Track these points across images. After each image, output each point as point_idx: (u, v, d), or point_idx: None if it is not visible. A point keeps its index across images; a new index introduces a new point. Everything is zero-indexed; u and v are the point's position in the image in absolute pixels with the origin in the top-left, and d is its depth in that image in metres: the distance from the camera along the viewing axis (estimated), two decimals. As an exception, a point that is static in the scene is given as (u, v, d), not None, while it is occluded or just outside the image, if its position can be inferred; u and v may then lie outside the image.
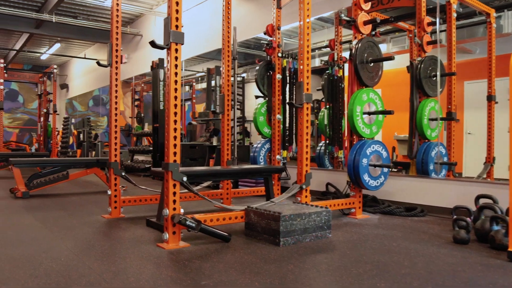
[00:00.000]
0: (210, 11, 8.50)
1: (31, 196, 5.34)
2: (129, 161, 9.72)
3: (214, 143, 6.91)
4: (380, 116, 4.32)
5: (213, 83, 9.01)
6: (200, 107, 13.39)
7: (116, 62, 4.06)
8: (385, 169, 4.21)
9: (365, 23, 4.26)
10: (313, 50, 8.84)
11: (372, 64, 4.28)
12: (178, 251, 2.83)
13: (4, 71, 10.70)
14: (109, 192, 4.00)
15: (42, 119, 12.25)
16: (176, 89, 3.02)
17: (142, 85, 13.20)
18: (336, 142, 5.64)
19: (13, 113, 16.63)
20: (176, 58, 3.04)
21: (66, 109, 17.17)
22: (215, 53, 9.15)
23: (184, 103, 13.05)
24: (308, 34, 3.82)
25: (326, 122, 5.85)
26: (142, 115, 12.84)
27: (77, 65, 15.74)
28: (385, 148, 4.22)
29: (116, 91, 4.08)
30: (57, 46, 13.28)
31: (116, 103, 4.07)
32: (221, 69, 5.32)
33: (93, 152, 12.37)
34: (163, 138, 8.09)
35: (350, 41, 4.48)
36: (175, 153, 3.02)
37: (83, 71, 15.21)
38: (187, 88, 13.66)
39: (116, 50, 4.05)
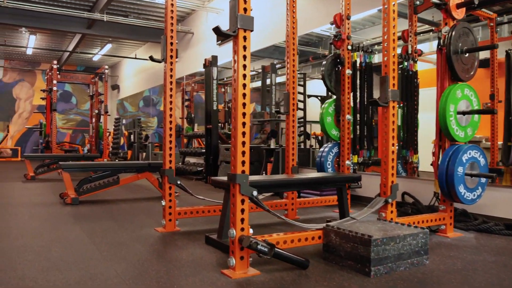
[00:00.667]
0: (263, 4, 7.98)
1: (81, 202, 5.02)
2: (180, 163, 9.38)
3: (272, 146, 6.39)
4: (476, 116, 3.64)
5: (266, 82, 8.52)
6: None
7: (171, 57, 3.60)
8: (483, 180, 3.53)
9: (458, 6, 3.59)
10: (372, 45, 8.16)
11: (467, 54, 3.60)
12: (248, 281, 2.32)
13: (57, 73, 10.68)
14: (163, 203, 3.56)
15: (93, 120, 12.22)
16: (244, 85, 2.52)
17: (193, 85, 12.91)
18: (410, 145, 4.99)
19: (66, 114, 16.89)
20: (245, 47, 2.54)
21: (117, 110, 17.26)
22: (264, 51, 8.66)
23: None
24: (394, 20, 3.21)
25: (399, 122, 5.21)
26: (193, 115, 12.54)
27: (128, 65, 15.74)
28: (483, 154, 3.53)
29: (171, 89, 3.63)
30: (108, 46, 13.25)
31: (171, 103, 3.62)
32: (276, 66, 4.78)
33: (143, 154, 12.20)
34: (216, 140, 7.68)
35: (423, 33, 3.82)
36: (243, 162, 2.50)
37: (134, 72, 15.16)
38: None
39: (171, 44, 3.60)
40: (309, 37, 9.22)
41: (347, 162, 4.68)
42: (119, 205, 5.00)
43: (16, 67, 15.94)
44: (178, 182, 3.62)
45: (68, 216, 4.19)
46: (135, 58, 13.37)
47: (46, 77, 12.09)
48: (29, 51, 13.94)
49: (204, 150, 8.49)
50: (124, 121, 15.72)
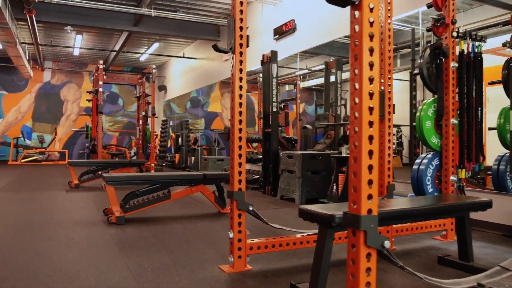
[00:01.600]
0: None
1: (127, 219, 4.29)
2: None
3: (344, 153, 5.45)
4: None
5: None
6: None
7: (241, 45, 2.76)
8: None
9: None
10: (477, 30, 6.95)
11: None
12: None
13: (104, 73, 10.18)
14: (230, 235, 2.72)
15: (140, 122, 11.67)
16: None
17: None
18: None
19: (113, 116, 16.58)
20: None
21: (164, 112, 16.78)
22: (320, 48, 7.72)
23: (287, 104, 11.81)
24: None
25: (509, 127, 4.18)
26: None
27: (175, 65, 15.19)
28: None
29: (241, 87, 2.79)
30: (155, 45, 12.71)
31: (240, 104, 2.78)
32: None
33: (192, 158, 11.53)
34: (276, 145, 6.81)
35: None
36: (370, 182, 1.61)
37: (181, 72, 14.58)
38: (286, 87, 12.36)
39: (241, 28, 2.75)
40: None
41: (452, 177, 3.69)
42: (171, 225, 4.22)
43: (63, 69, 15.77)
44: (251, 209, 2.77)
45: (112, 243, 3.43)
46: (183, 57, 12.76)
47: (92, 78, 11.67)
48: (76, 52, 13.64)
49: (260, 156, 7.65)
50: (171, 123, 15.19)
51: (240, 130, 2.76)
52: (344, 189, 5.27)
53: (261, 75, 11.04)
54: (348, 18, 1.66)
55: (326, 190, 5.89)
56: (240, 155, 2.74)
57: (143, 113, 11.19)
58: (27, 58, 13.08)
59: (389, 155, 3.38)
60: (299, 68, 10.68)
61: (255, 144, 11.34)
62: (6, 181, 8.35)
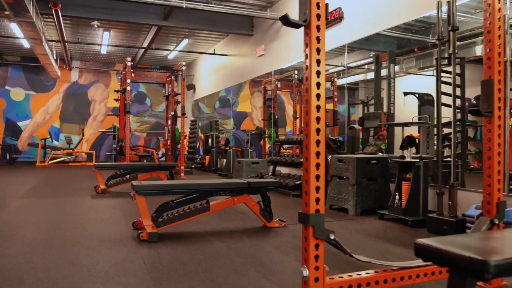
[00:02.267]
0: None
1: (160, 235, 3.64)
2: (270, 174, 7.91)
3: (408, 158, 4.68)
4: None
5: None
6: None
7: (318, 16, 2.06)
8: None
9: None
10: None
11: None
12: None
13: (131, 71, 9.65)
14: (304, 273, 2.02)
15: (169, 122, 11.13)
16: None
17: (276, 82, 11.41)
18: None
19: (141, 116, 16.13)
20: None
21: (192, 111, 16.23)
22: (360, 42, 6.97)
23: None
24: None
25: None
26: (277, 117, 11.06)
27: (204, 63, 14.60)
28: None
29: (318, 72, 2.09)
30: (184, 42, 12.13)
31: (318, 96, 2.08)
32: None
33: (223, 160, 10.89)
34: (323, 147, 6.08)
35: None
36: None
37: (210, 70, 13.98)
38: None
39: (315, -5, 2.05)
40: (414, 23, 7.36)
41: None
42: (212, 244, 3.55)
43: (91, 68, 15.41)
44: (332, 237, 2.06)
45: (144, 271, 2.78)
46: (213, 53, 12.15)
47: (120, 77, 11.20)
48: (103, 50, 13.21)
49: (302, 160, 6.94)
50: (199, 124, 14.62)
51: (318, 131, 2.06)
52: (410, 199, 4.51)
53: (296, 72, 10.37)
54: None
55: (384, 199, 5.14)
56: (318, 165, 2.05)
57: (172, 113, 10.64)
58: (55, 57, 12.72)
59: (499, 162, 2.62)
60: (334, 65, 9.97)
61: (285, 146, 10.64)
62: (31, 184, 7.88)
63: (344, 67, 8.49)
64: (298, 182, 6.76)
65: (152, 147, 15.86)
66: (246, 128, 14.09)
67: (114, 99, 10.87)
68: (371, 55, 8.72)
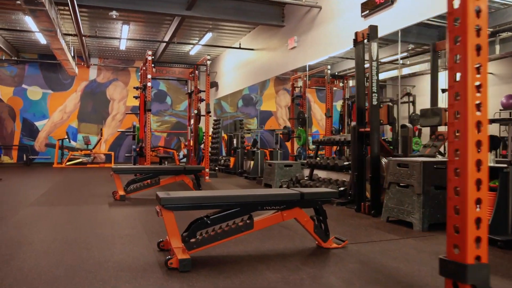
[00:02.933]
0: None
1: (194, 260, 2.86)
2: (306, 177, 7.09)
3: (491, 163, 3.81)
4: None
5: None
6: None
7: None
8: None
9: None
10: None
11: None
12: None
13: (152, 65, 8.93)
14: None
15: (192, 121, 10.38)
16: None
17: (305, 78, 10.56)
18: None
19: (161, 115, 15.45)
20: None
21: (215, 110, 15.49)
22: (394, 34, 6.11)
23: (354, 100, 10.18)
24: None
25: None
26: (306, 115, 10.24)
27: (228, 60, 13.83)
28: None
29: (479, 47, 1.24)
30: (208, 36, 11.36)
31: (478, 86, 1.24)
32: None
33: (250, 162, 10.10)
34: (377, 149, 5.20)
35: None
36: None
37: (234, 67, 13.20)
38: (350, 83, 10.68)
39: None
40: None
41: None
42: (262, 275, 2.74)
43: (109, 65, 14.79)
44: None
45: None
46: (239, 48, 11.35)
47: (139, 73, 10.50)
48: (123, 46, 12.54)
49: (347, 163, 6.10)
50: (222, 123, 13.86)
51: (479, 125, 1.23)
52: (496, 214, 3.63)
53: (329, 67, 9.52)
54: None
55: (456, 212, 4.25)
56: (478, 183, 1.21)
57: (195, 111, 9.89)
58: (72, 54, 12.12)
59: None
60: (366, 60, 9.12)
61: (312, 146, 9.79)
62: (45, 188, 7.22)
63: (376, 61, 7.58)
64: (342, 189, 5.92)
65: (173, 148, 15.17)
66: (270, 127, 13.29)
67: (134, 97, 10.17)
68: (410, 48, 7.86)
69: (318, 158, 6.96)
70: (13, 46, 13.05)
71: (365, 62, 5.38)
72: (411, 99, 8.71)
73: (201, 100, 9.86)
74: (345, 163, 6.07)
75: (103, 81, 14.83)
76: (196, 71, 9.86)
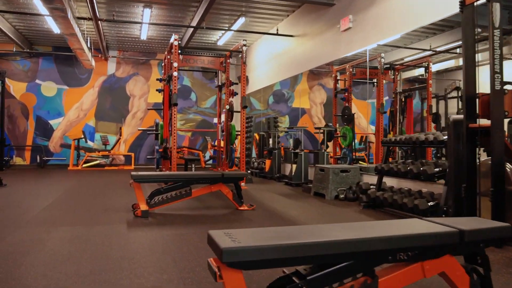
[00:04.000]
0: None
1: None
2: (372, 186, 5.65)
3: None
4: None
5: None
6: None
7: None
8: None
9: None
10: None
11: None
12: None
13: (179, 52, 7.61)
14: None
15: (222, 118, 9.05)
16: None
17: (351, 69, 9.08)
18: None
19: (185, 113, 14.14)
20: None
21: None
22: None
23: (411, 94, 8.77)
24: None
25: None
26: (353, 113, 8.81)
27: (259, 51, 12.42)
28: None
29: None
30: (240, 22, 9.98)
31: None
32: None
33: (292, 166, 8.68)
34: (500, 151, 3.62)
35: None
36: None
37: (266, 58, 11.79)
38: (416, 72, 9.19)
39: None
40: None
41: None
42: None
43: (130, 58, 13.54)
44: None
45: None
46: (277, 34, 9.93)
47: (163, 63, 9.18)
48: (143, 35, 11.24)
49: (437, 169, 4.63)
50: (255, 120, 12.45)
51: None
52: None
53: (383, 55, 8.07)
54: None
55: None
56: None
57: (227, 107, 8.55)
58: (88, 45, 10.92)
59: None
60: (421, 49, 7.80)
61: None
62: (53, 198, 5.95)
63: (432, 51, 6.11)
64: (431, 203, 4.46)
65: (198, 148, 13.86)
66: (302, 126, 11.86)
67: (157, 90, 8.85)
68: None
69: (390, 163, 5.49)
70: (25, 37, 11.91)
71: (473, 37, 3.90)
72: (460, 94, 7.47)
73: (234, 94, 8.51)
74: (435, 169, 4.60)
75: (122, 76, 13.59)
76: (230, 59, 8.50)
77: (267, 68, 11.76)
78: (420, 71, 8.76)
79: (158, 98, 13.67)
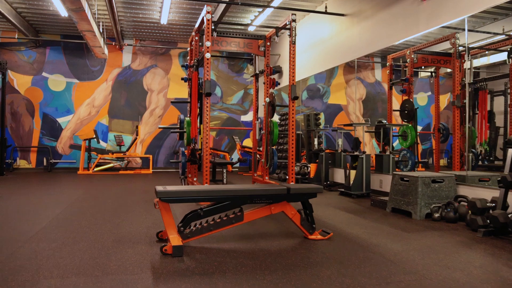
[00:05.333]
0: None
1: None
2: (491, 203, 3.99)
3: None
4: None
5: None
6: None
7: None
8: None
9: None
10: None
11: None
12: None
13: (212, 27, 6.05)
14: None
15: (258, 113, 7.47)
16: None
17: (412, 55, 7.41)
18: None
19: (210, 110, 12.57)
20: None
21: (275, 104, 12.46)
22: None
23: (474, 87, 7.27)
24: None
25: None
26: (415, 107, 7.23)
27: (297, 38, 10.76)
28: None
29: None
30: (277, 1, 8.36)
31: None
32: None
33: (348, 172, 7.01)
34: None
35: None
36: None
37: (305, 47, 10.15)
38: (475, 61, 7.55)
39: None
40: None
41: None
42: None
43: (148, 47, 12.02)
44: None
45: None
46: (325, 12, 8.28)
47: (189, 48, 7.58)
48: (164, 19, 9.67)
49: None
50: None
51: None
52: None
53: (458, 35, 6.46)
54: None
55: None
56: None
57: (267, 100, 6.97)
58: (101, 30, 9.43)
59: None
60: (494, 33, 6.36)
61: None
62: (49, 218, 4.41)
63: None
64: None
65: (224, 149, 12.30)
66: (338, 124, 10.24)
67: (182, 79, 7.25)
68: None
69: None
70: (29, 23, 10.47)
71: None
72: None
73: (275, 83, 6.93)
74: None
75: (139, 68, 12.07)
76: (269, 42, 6.91)
77: (305, 58, 10.13)
78: (492, 59, 7.29)
79: (179, 93, 12.14)
